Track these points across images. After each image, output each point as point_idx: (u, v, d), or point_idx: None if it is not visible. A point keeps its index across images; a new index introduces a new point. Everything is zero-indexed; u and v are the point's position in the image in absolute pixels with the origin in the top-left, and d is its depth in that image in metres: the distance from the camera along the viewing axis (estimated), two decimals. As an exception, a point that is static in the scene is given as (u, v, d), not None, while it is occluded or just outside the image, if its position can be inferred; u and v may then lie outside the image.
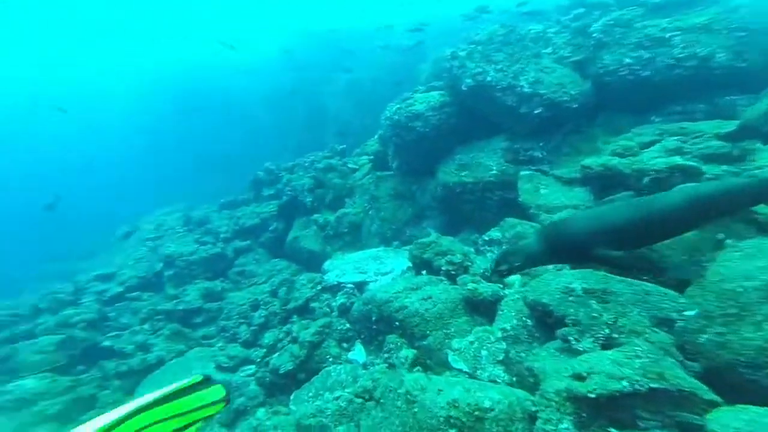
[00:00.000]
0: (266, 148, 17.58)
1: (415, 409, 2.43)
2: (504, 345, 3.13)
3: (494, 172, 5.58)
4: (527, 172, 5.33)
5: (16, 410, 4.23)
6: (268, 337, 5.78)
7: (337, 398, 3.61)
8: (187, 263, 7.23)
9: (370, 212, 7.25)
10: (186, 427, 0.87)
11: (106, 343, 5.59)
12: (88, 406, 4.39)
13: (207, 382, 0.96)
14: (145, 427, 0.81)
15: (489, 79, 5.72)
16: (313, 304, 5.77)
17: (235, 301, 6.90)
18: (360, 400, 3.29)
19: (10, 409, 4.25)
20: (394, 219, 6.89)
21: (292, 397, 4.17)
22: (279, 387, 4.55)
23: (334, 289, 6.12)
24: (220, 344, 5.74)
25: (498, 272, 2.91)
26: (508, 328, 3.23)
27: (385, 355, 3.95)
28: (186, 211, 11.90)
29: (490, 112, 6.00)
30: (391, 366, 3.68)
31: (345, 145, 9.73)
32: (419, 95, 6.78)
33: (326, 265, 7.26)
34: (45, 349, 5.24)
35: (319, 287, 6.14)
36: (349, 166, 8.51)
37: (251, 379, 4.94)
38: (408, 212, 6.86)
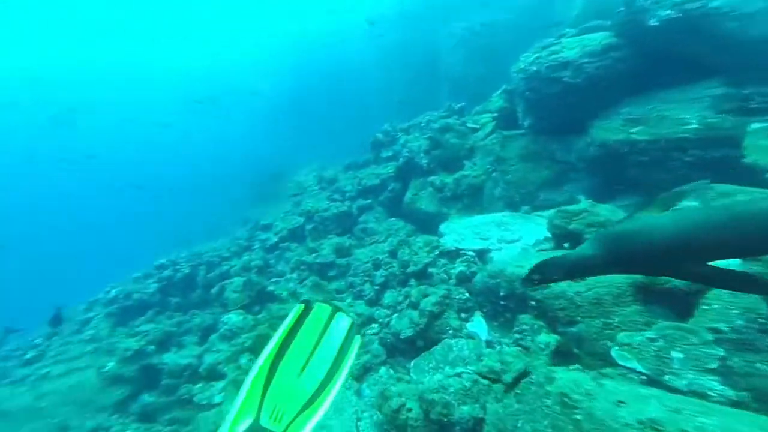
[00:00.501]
0: (384, 109, 17.99)
1: (578, 416, 2.05)
2: (720, 350, 2.31)
3: (693, 126, 4.05)
4: (763, 125, 3.64)
5: (230, 339, 5.83)
6: (388, 298, 6.21)
7: (459, 375, 3.54)
8: (322, 219, 8.29)
9: (493, 174, 6.50)
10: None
11: (270, 287, 7.05)
12: (264, 344, 5.60)
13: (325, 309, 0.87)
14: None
15: (715, 5, 3.98)
16: (430, 269, 5.77)
17: (360, 258, 7.59)
18: (486, 382, 3.12)
19: (228, 338, 5.88)
20: (524, 182, 5.97)
21: (412, 365, 4.38)
22: (399, 350, 4.84)
23: (452, 254, 5.95)
24: (349, 300, 6.46)
25: (529, 281, 2.29)
26: (725, 329, 2.36)
27: (516, 336, 3.61)
28: (319, 171, 13.61)
29: (701, 51, 4.32)
30: (525, 350, 3.34)
31: (463, 104, 8.80)
32: (569, 40, 5.37)
33: (443, 227, 7.09)
34: (236, 289, 6.63)
35: (436, 252, 6.07)
36: (468, 125, 7.71)
37: (375, 338, 5.41)
38: (542, 175, 5.81)
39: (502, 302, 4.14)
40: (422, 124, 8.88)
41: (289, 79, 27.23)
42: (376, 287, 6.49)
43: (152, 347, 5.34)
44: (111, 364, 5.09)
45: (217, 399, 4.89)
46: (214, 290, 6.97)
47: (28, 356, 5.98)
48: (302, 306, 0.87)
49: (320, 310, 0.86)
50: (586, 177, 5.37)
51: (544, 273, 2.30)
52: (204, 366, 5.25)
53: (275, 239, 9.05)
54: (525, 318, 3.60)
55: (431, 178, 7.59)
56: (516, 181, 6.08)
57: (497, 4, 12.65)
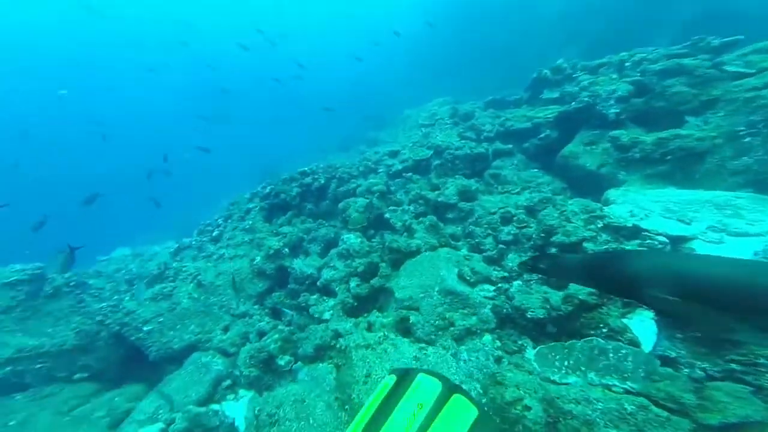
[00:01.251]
0: (549, 43, 14.16)
1: None
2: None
3: None
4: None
5: (345, 258, 6.01)
6: (513, 260, 5.22)
7: (610, 388, 2.59)
8: (452, 157, 7.37)
9: (747, 139, 4.12)
10: None
11: (387, 215, 6.89)
12: (373, 273, 5.51)
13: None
14: None
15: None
16: (587, 245, 4.40)
17: (486, 206, 6.57)
18: (663, 413, 2.15)
19: (344, 257, 6.00)
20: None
21: (535, 352, 3.55)
22: (518, 326, 4.02)
23: (623, 232, 4.35)
24: (464, 251, 5.74)
25: (524, 265, 2.66)
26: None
27: (735, 366, 2.35)
28: (454, 104, 12.16)
29: None
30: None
31: (740, 37, 5.59)
32: None
33: (611, 193, 5.32)
34: (359, 209, 6.64)
35: (599, 224, 4.55)
36: (729, 69, 4.90)
37: (487, 302, 4.69)
38: None
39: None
40: (626, 64, 6.30)
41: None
42: (501, 245, 5.54)
43: (287, 250, 5.93)
44: (258, 258, 5.93)
45: (326, 316, 5.21)
46: (341, 205, 7.25)
47: (214, 234, 7.68)
48: (394, 378, 0.76)
49: (414, 380, 0.74)
50: None
51: (540, 261, 2.46)
52: (321, 280, 5.61)
53: (400, 167, 8.72)
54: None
55: (616, 132, 5.49)
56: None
57: None
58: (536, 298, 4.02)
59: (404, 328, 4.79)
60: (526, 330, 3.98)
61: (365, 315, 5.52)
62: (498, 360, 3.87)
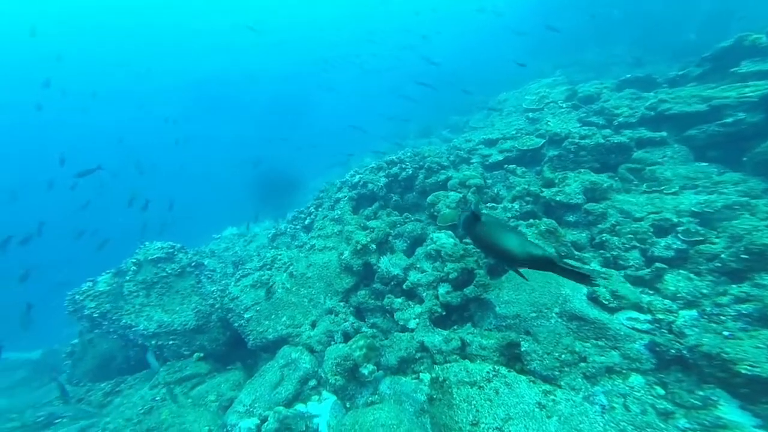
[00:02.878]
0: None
1: None
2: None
3: None
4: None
5: (434, 259, 5.36)
6: (683, 285, 3.77)
7: None
8: (575, 147, 5.90)
9: None
10: None
11: (484, 212, 5.92)
12: (467, 281, 4.76)
13: None
14: None
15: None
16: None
17: (626, 209, 5.04)
18: None
19: (433, 257, 5.42)
20: None
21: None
22: (695, 371, 2.74)
23: None
24: (595, 264, 4.44)
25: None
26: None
27: None
28: (570, 84, 10.09)
29: None
30: None
31: None
32: None
33: None
34: (451, 205, 5.92)
35: None
36: None
37: (642, 337, 3.44)
38: None
39: None
40: None
41: None
42: (657, 263, 4.11)
43: (374, 246, 5.54)
44: (346, 253, 5.68)
45: (411, 324, 4.65)
46: (429, 198, 6.58)
47: (306, 222, 7.90)
48: None
49: None
50: None
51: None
52: (407, 283, 5.06)
53: (500, 158, 7.55)
54: None
55: None
56: None
57: None
58: (751, 344, 2.67)
59: (512, 355, 3.94)
60: (715, 379, 2.70)
61: (456, 328, 4.82)
62: (666, 415, 2.72)
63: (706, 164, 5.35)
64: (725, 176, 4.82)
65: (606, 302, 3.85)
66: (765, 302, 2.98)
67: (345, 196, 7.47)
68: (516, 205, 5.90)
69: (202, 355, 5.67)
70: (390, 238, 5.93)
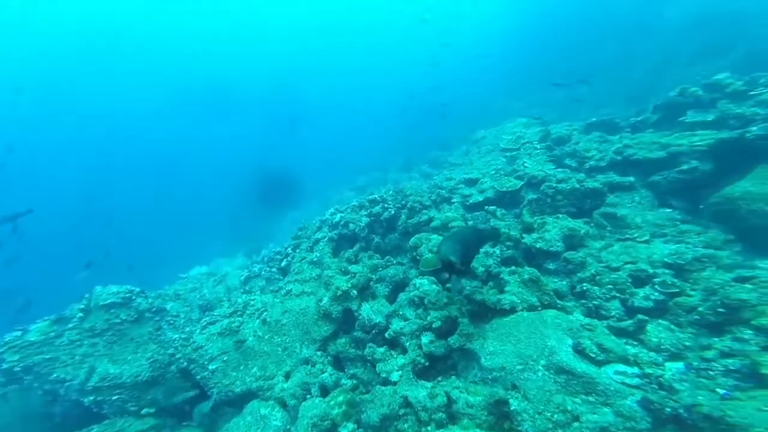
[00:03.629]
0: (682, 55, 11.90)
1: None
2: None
3: None
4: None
5: (417, 306, 5.15)
6: (666, 337, 3.79)
7: None
8: (553, 191, 6.10)
9: None
10: None
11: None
12: (450, 330, 4.61)
13: None
14: None
15: None
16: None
17: (603, 257, 5.15)
18: None
19: (416, 304, 4.86)
20: None
21: None
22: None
23: None
24: (578, 316, 4.43)
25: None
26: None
27: None
28: (543, 125, 10.72)
29: None
30: None
31: None
32: None
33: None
34: (433, 249, 5.57)
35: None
36: None
37: (633, 393, 3.36)
38: None
39: None
40: None
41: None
42: (638, 314, 4.14)
43: (355, 291, 5.31)
44: (326, 299, 5.40)
45: (394, 377, 4.38)
46: (412, 241, 6.48)
47: (283, 264, 7.52)
48: None
49: None
50: None
51: None
52: (389, 331, 4.82)
53: (480, 198, 7.66)
54: None
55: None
56: None
57: None
58: (753, 406, 2.61)
59: (500, 414, 3.75)
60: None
61: (440, 379, 4.58)
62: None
63: (670, 210, 5.65)
64: (689, 225, 5.07)
65: (593, 355, 3.78)
66: (752, 358, 3.00)
67: (325, 237, 7.23)
68: (497, 251, 5.90)
69: (153, 410, 5.01)
70: (371, 282, 5.72)
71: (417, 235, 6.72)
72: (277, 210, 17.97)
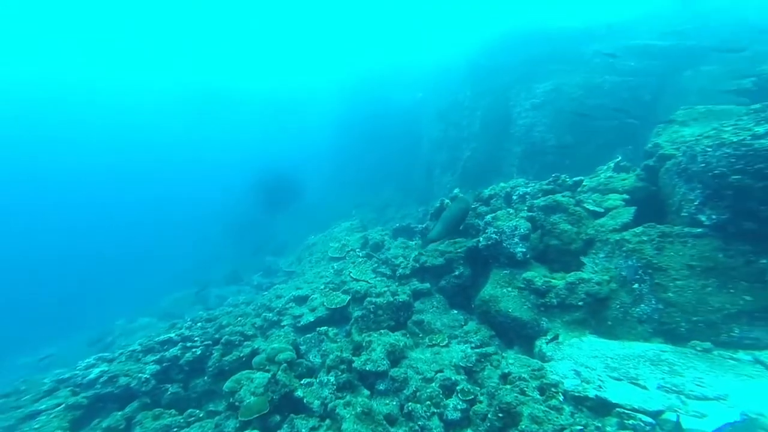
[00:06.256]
0: (436, 168, 16.85)
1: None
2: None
3: None
4: None
5: None
6: None
7: None
8: (374, 306, 6.52)
9: (636, 285, 4.54)
10: None
11: (299, 392, 5.21)
12: None
13: None
14: None
15: None
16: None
17: (420, 369, 5.58)
18: None
19: None
20: (700, 306, 3.95)
21: None
22: None
23: (589, 404, 3.82)
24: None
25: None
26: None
27: None
28: (362, 229, 12.20)
29: None
30: None
31: (582, 179, 7.04)
32: None
33: (545, 347, 5.05)
34: (257, 390, 4.95)
35: (560, 397, 3.97)
36: (588, 207, 5.93)
37: None
38: (738, 301, 3.78)
39: None
40: (514, 197, 7.20)
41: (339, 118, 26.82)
42: (451, 429, 4.43)
43: None
44: None
45: None
46: (227, 385, 5.20)
47: None
48: None
49: None
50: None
51: None
52: None
53: (312, 318, 7.33)
54: None
55: (528, 274, 5.70)
56: (683, 304, 4.06)
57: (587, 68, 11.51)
58: None
59: None
60: None
61: None
62: None
63: (456, 312, 7.02)
64: (469, 325, 6.35)
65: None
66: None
67: (59, 405, 4.79)
68: (332, 378, 5.50)
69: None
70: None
71: (234, 377, 5.54)
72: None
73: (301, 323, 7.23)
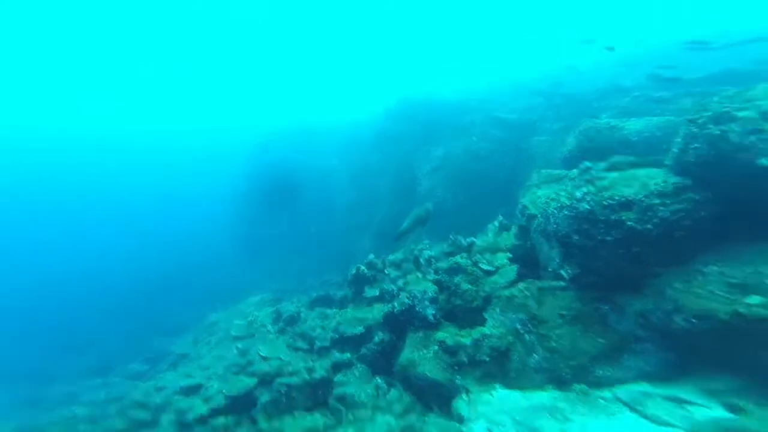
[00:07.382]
0: (352, 231, 17.29)
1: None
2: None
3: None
4: None
5: None
6: None
7: None
8: (285, 388, 5.77)
9: (527, 337, 5.19)
10: None
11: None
12: None
13: None
14: None
15: None
16: None
17: (342, 455, 5.01)
18: None
19: None
20: (574, 351, 4.69)
21: None
22: None
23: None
24: None
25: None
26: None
27: None
28: (276, 303, 11.21)
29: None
30: None
31: (474, 240, 8.10)
32: (614, 175, 5.01)
33: (461, 408, 5.16)
34: None
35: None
36: (482, 266, 6.78)
37: None
38: (597, 344, 4.64)
39: None
40: (421, 261, 7.76)
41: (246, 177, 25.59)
42: None
43: None
44: None
45: None
46: None
47: None
48: None
49: None
50: (655, 351, 4.31)
51: None
52: None
53: (205, 410, 6.05)
54: None
55: (440, 334, 5.99)
56: (563, 350, 4.78)
57: (480, 132, 13.89)
58: None
59: None
60: None
61: None
62: None
63: (380, 379, 6.74)
64: (391, 393, 6.13)
65: None
66: None
67: None
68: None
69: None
70: None
71: None
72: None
73: (191, 418, 5.89)
